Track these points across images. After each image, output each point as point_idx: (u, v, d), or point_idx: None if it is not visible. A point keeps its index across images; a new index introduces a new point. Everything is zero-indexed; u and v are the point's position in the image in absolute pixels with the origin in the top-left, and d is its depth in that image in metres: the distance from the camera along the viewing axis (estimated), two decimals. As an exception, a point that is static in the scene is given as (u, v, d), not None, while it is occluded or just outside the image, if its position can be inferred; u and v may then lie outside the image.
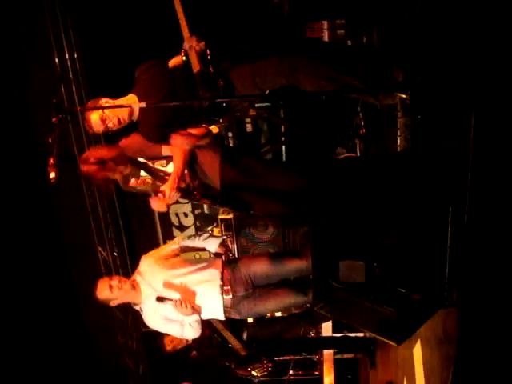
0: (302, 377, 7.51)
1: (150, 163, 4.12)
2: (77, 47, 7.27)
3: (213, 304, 4.46)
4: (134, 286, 4.51)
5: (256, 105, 5.70)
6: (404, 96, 3.25)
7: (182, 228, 8.56)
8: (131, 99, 4.06)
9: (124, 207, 8.48)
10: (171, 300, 4.28)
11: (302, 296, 4.57)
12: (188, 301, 4.29)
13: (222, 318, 4.55)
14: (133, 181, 3.96)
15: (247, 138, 6.19)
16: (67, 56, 7.20)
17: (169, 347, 5.63)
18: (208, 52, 4.01)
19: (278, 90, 4.00)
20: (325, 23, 5.57)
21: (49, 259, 8.56)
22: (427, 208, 2.70)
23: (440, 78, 2.93)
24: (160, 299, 4.31)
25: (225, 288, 4.43)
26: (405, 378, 4.33)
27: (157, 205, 3.90)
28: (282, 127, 6.27)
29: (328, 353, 6.99)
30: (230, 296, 4.43)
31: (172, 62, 4.18)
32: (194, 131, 3.87)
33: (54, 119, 3.36)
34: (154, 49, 4.59)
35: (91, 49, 7.17)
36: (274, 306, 4.69)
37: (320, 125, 5.49)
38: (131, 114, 4.04)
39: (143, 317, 4.59)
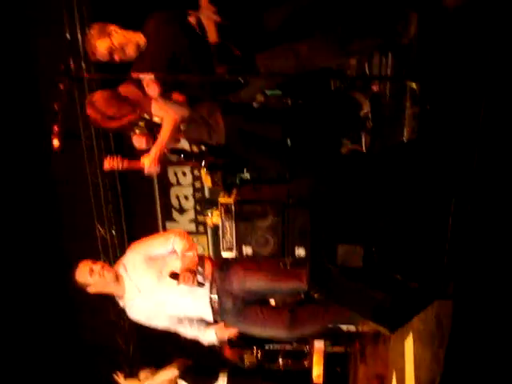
0: (291, 367, 7.50)
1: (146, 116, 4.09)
2: (88, 20, 7.27)
3: (202, 312, 4.42)
4: (118, 278, 4.31)
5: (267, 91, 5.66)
6: (414, 85, 3.24)
7: (181, 211, 8.56)
8: (140, 38, 3.93)
9: (125, 186, 8.48)
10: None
11: (289, 333, 4.52)
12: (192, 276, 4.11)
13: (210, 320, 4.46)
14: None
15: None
16: (78, 28, 7.22)
17: None
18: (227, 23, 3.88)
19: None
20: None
21: (45, 235, 8.56)
22: (430, 198, 2.68)
23: (451, 69, 2.90)
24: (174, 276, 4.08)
25: (212, 297, 4.33)
26: (394, 372, 4.31)
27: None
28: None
29: (319, 344, 6.98)
30: (217, 306, 4.35)
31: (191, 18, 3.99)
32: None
33: (60, 85, 3.32)
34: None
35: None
36: (257, 334, 4.63)
37: (326, 114, 5.44)
38: (137, 50, 3.92)
39: (127, 311, 4.44)
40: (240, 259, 4.67)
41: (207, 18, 3.82)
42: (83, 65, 7.00)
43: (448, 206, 2.63)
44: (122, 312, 4.56)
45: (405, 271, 2.68)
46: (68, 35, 7.07)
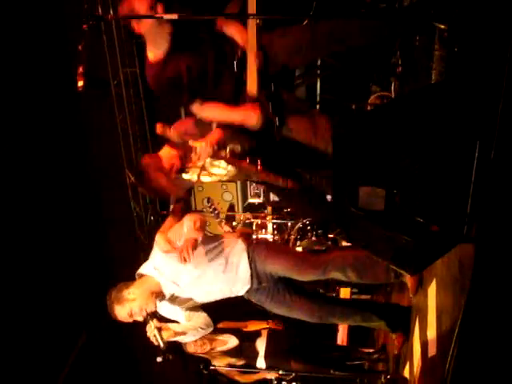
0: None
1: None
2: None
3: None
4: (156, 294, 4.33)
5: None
6: (442, 27, 3.17)
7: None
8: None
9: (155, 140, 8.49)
10: None
11: (312, 318, 4.62)
12: None
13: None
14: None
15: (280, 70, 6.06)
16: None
17: None
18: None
19: None
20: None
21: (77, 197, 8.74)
22: (455, 140, 2.64)
23: (479, 9, 2.82)
24: None
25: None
26: (417, 318, 4.34)
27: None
28: (318, 60, 6.14)
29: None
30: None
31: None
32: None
33: (84, 26, 3.29)
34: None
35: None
36: (283, 314, 4.74)
37: (357, 59, 5.37)
38: None
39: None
40: (267, 242, 4.66)
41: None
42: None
43: (473, 149, 2.59)
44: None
45: (427, 214, 2.66)
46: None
